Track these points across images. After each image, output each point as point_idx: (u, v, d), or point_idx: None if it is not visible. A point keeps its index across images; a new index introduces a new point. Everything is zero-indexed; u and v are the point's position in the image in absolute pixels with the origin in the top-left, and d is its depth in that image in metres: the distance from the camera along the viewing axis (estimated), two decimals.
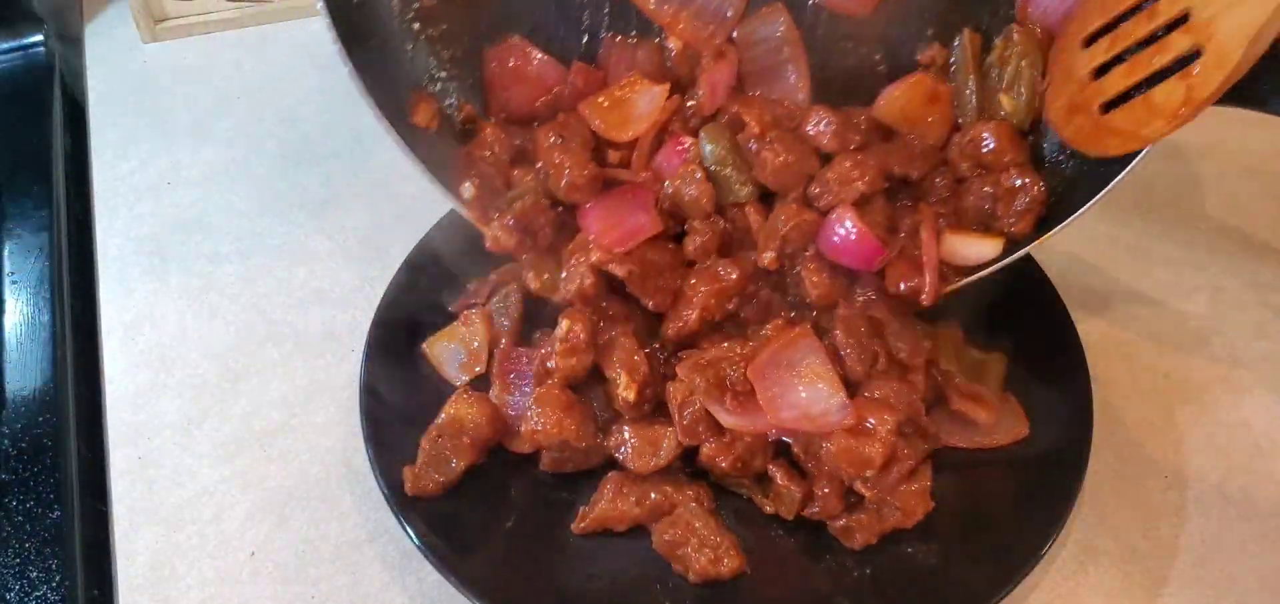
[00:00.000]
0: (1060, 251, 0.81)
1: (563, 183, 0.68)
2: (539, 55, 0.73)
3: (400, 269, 0.77)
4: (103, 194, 0.92)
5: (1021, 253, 0.66)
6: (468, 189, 0.69)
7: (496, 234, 0.68)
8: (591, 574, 0.63)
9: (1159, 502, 0.68)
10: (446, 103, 0.72)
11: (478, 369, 0.72)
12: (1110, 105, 0.62)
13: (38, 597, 0.65)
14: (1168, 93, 0.59)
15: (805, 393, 0.61)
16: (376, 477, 0.65)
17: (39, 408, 0.75)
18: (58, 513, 0.68)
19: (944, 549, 0.63)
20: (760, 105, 0.69)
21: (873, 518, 0.63)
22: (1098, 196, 0.62)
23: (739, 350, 0.65)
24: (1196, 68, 0.57)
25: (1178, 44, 0.58)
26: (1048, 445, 0.66)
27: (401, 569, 0.66)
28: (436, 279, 0.77)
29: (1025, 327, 0.72)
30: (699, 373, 0.64)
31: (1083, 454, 0.64)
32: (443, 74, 0.72)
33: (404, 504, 0.63)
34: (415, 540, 0.62)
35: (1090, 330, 0.76)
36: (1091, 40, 0.64)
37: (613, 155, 0.72)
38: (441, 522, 0.63)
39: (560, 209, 0.70)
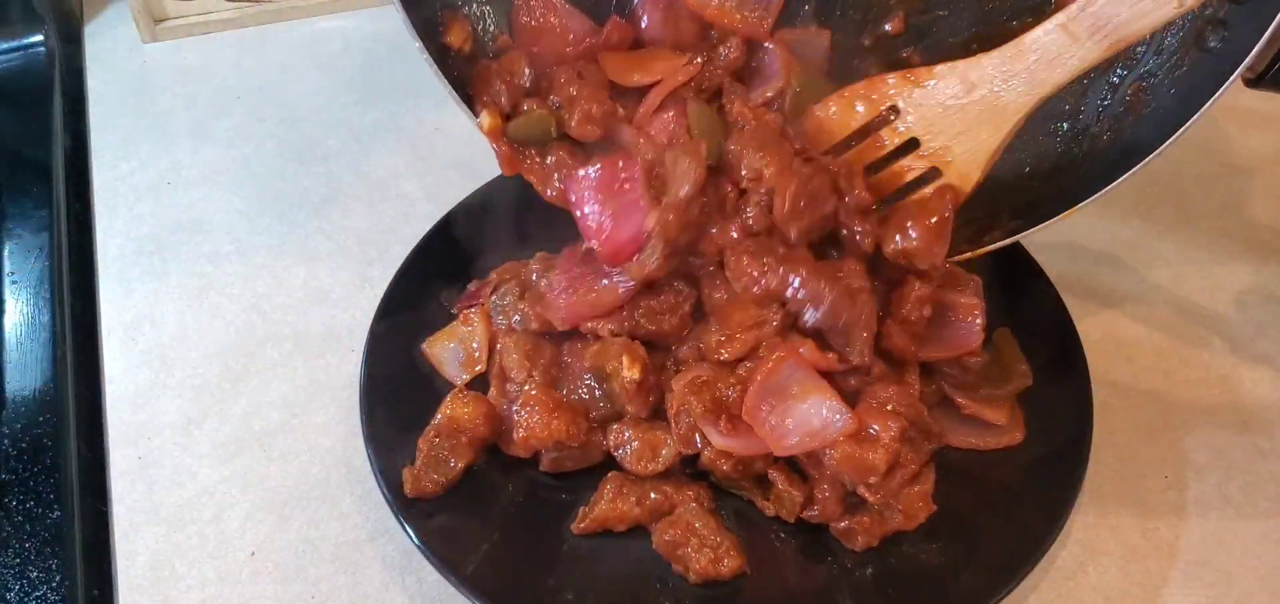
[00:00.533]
0: (1060, 252, 0.81)
1: (577, 114, 0.68)
2: (565, 8, 0.73)
3: (400, 269, 0.77)
4: (103, 194, 0.92)
5: (1008, 241, 0.66)
6: (484, 119, 0.69)
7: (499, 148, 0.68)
8: (592, 574, 0.63)
9: (1159, 502, 0.68)
10: (481, 28, 0.72)
11: (478, 368, 0.72)
12: None
13: (38, 597, 0.65)
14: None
15: (802, 415, 0.61)
16: (376, 477, 0.65)
17: (39, 408, 0.75)
18: (58, 513, 0.68)
19: (944, 549, 0.62)
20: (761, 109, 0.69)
21: (875, 521, 0.62)
22: (1058, 216, 0.64)
23: (734, 374, 0.64)
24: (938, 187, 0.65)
25: (917, 167, 0.66)
26: (1048, 445, 0.66)
27: (401, 569, 0.66)
28: (437, 278, 0.77)
29: (1025, 327, 0.72)
30: (694, 394, 0.63)
31: (1083, 454, 0.64)
32: None
33: (404, 504, 0.63)
34: (415, 541, 0.62)
35: (1090, 330, 0.76)
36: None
37: (620, 112, 0.72)
38: (441, 521, 0.63)
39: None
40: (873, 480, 0.61)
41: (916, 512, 0.63)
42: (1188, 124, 0.59)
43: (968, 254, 0.67)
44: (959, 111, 0.64)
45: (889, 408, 0.62)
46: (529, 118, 0.69)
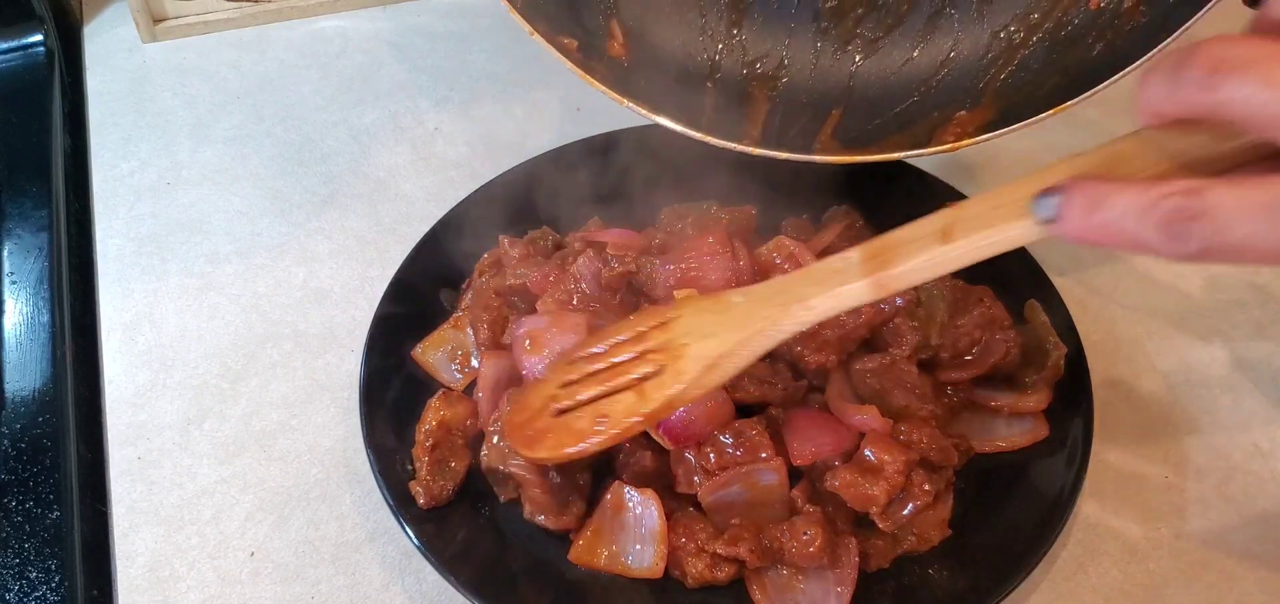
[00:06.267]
0: (1062, 252, 0.81)
1: None
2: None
3: (400, 269, 0.77)
4: (102, 194, 0.92)
5: (985, 138, 0.64)
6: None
7: None
8: (589, 576, 0.63)
9: (1159, 502, 0.68)
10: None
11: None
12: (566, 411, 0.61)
13: (38, 597, 0.65)
14: (622, 401, 0.60)
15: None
16: (376, 478, 0.65)
17: (39, 408, 0.75)
18: (58, 513, 0.68)
19: (943, 548, 0.62)
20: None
21: (888, 545, 0.62)
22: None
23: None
24: (651, 379, 0.59)
25: (643, 366, 0.60)
26: (1048, 446, 0.66)
27: (401, 569, 0.66)
28: (437, 278, 0.77)
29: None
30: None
31: (1083, 454, 0.64)
32: None
33: (404, 506, 0.63)
34: (415, 542, 0.62)
35: (1090, 330, 0.76)
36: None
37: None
38: (441, 522, 0.63)
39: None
40: (874, 511, 0.60)
41: (931, 536, 0.62)
42: (1182, 29, 0.57)
43: (944, 147, 0.64)
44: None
45: (899, 437, 0.62)
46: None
